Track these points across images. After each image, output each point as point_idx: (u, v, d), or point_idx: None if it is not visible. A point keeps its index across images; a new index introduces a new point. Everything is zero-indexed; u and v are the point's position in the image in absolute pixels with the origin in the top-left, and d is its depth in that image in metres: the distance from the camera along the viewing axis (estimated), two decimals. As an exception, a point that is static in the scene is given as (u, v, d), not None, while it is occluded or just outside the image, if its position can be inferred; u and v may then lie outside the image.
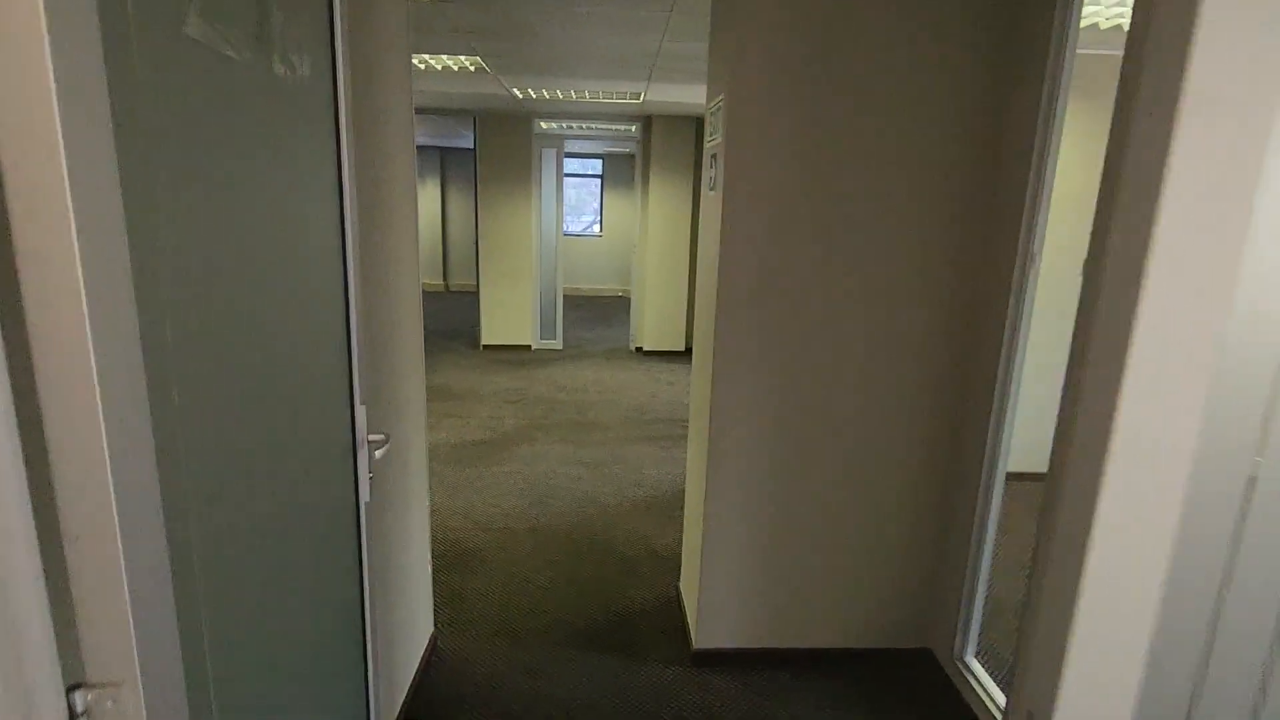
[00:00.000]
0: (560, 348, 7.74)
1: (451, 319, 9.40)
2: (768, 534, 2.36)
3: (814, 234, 2.13)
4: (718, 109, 2.14)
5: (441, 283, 12.30)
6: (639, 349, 7.67)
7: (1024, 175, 2.00)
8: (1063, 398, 1.49)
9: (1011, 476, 2.24)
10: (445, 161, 11.92)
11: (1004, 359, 2.10)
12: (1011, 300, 2.06)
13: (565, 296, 11.76)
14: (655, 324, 7.45)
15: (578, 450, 4.53)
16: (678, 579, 2.97)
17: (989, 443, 2.16)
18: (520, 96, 5.93)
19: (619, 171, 12.19)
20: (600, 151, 11.99)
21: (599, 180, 12.40)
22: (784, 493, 2.33)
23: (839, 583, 2.42)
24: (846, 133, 2.07)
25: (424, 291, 9.58)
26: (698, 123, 7.08)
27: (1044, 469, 1.56)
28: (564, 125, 7.84)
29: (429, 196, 11.97)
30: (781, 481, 2.31)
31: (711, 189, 2.23)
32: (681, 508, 3.68)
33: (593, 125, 7.93)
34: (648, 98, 5.90)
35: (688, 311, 7.47)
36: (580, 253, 12.44)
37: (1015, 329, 2.07)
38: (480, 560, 3.11)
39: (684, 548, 2.81)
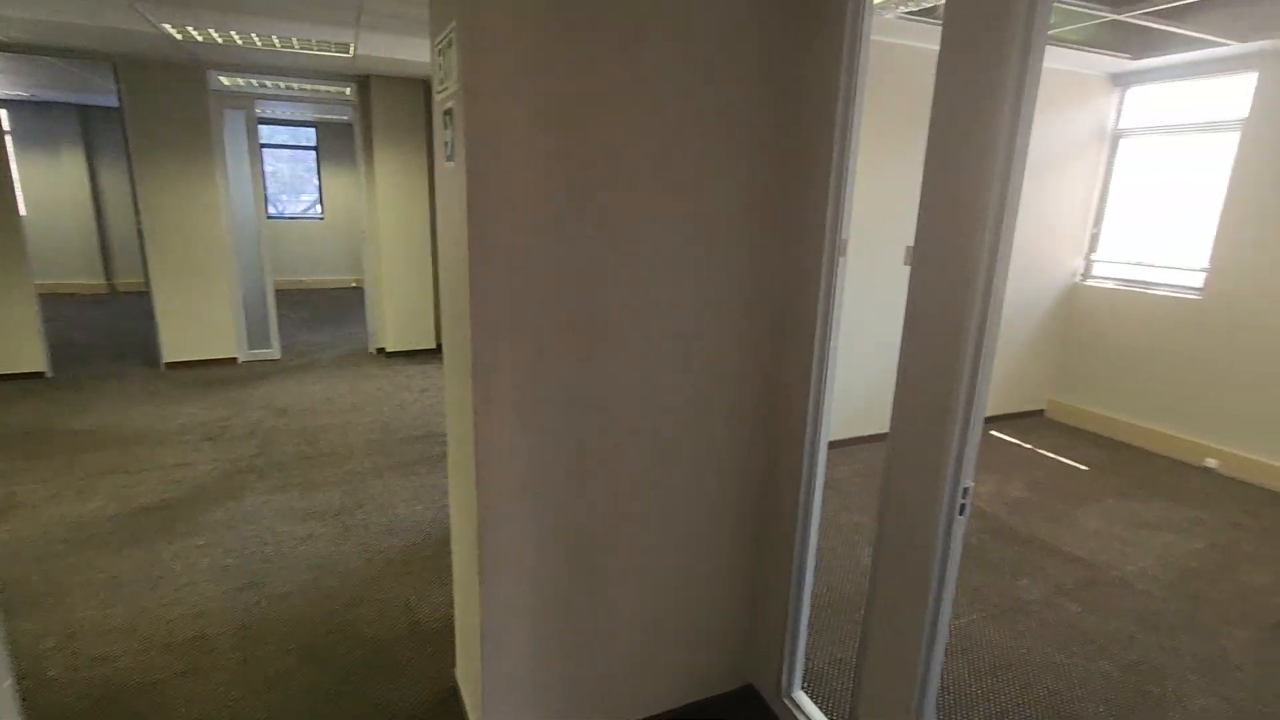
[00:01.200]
0: (278, 357, 6.34)
1: (119, 332, 7.25)
2: (566, 583, 1.85)
3: (593, 216, 1.62)
4: (447, 44, 1.50)
5: (104, 283, 9.56)
6: (381, 350, 6.61)
7: (826, 164, 1.70)
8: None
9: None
10: (90, 124, 9.17)
11: (816, 362, 1.82)
12: (820, 307, 1.78)
13: (281, 293, 9.96)
14: (398, 320, 6.46)
15: (306, 497, 3.56)
16: (454, 663, 2.34)
17: (806, 454, 1.89)
18: (178, 37, 4.50)
19: (338, 143, 10.53)
20: (313, 119, 10.22)
21: (314, 153, 10.60)
22: (580, 529, 1.83)
23: (654, 631, 2.01)
24: (631, 76, 1.58)
25: (78, 297, 7.28)
26: (425, 86, 6.16)
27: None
28: (254, 82, 6.32)
29: (69, 169, 9.14)
30: (574, 513, 1.81)
31: (449, 158, 1.59)
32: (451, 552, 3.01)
33: (295, 85, 6.52)
34: (360, 51, 4.88)
35: (436, 303, 6.60)
36: (300, 239, 10.60)
37: (826, 340, 1.80)
38: (157, 704, 2.13)
39: (457, 620, 2.18)
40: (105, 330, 7.31)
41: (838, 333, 1.81)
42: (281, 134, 10.47)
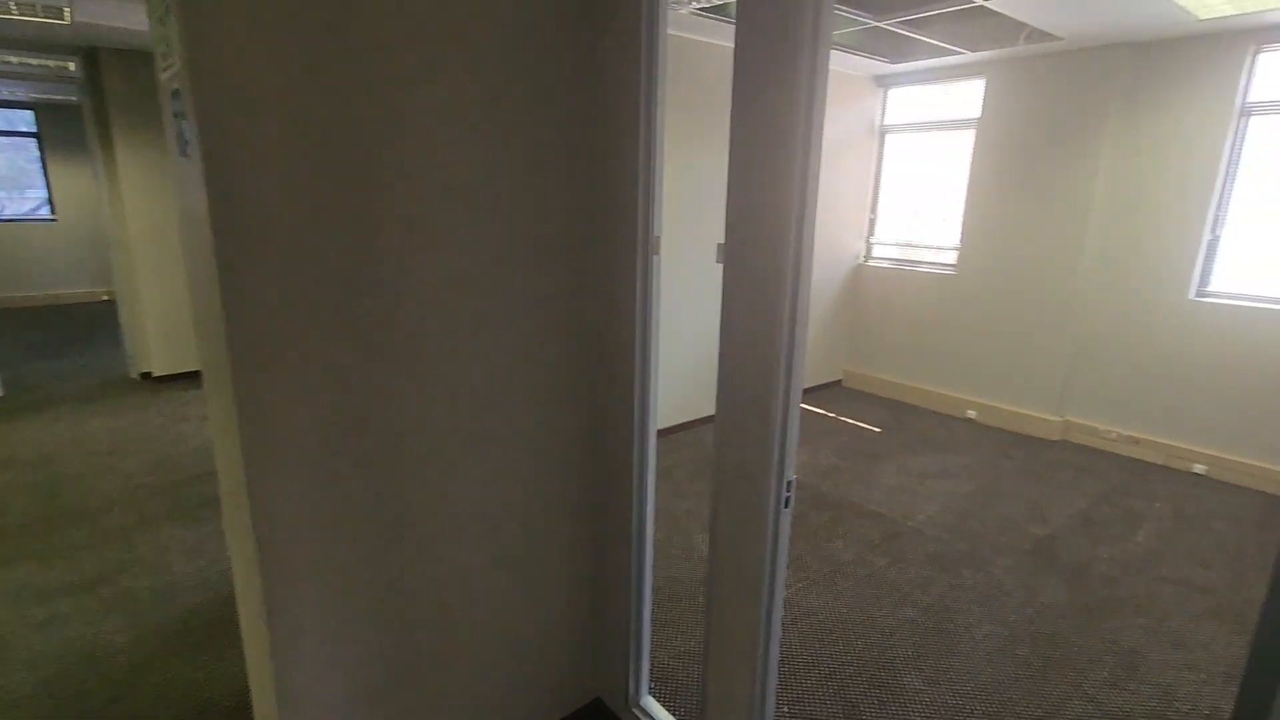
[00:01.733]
0: (2, 394, 5.12)
1: None
2: (378, 622, 1.63)
3: (374, 210, 1.42)
4: (165, 9, 1.21)
5: None
6: (146, 375, 5.60)
7: (633, 162, 1.64)
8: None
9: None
10: None
11: (639, 359, 1.77)
12: (638, 309, 1.72)
13: (4, 311, 8.19)
14: (164, 338, 5.51)
15: (45, 570, 2.88)
16: (256, 742, 2.00)
17: (635, 447, 1.84)
18: None
19: (67, 128, 8.75)
20: (29, 99, 8.37)
21: (35, 141, 8.71)
22: (387, 556, 1.63)
23: (490, 659, 1.86)
24: (415, 54, 1.39)
25: None
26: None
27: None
28: (-71, 51, 5.00)
29: None
30: (379, 541, 1.60)
31: (184, 153, 1.30)
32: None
33: (13, 58, 5.26)
34: (79, 18, 4.02)
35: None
36: (26, 245, 8.69)
37: (646, 337, 1.75)
38: None
39: (254, 690, 1.85)
40: None
41: (658, 329, 1.77)
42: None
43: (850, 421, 5.05)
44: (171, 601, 2.67)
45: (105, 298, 9.16)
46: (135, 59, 5.03)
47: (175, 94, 1.27)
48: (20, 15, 3.98)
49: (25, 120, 8.71)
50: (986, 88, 4.79)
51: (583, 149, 1.72)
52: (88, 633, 2.48)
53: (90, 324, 7.80)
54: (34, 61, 5.47)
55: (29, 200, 8.93)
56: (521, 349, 1.73)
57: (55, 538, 3.12)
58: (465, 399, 1.65)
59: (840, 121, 5.28)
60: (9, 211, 8.77)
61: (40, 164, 8.78)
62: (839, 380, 6.05)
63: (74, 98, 8.05)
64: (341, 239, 1.38)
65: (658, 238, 1.70)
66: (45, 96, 8.19)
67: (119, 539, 3.13)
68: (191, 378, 5.65)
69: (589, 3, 1.64)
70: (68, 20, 4.10)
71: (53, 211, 8.88)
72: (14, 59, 5.42)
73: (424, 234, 1.49)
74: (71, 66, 5.51)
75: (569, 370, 1.84)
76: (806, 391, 5.66)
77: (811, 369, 5.72)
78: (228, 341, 1.27)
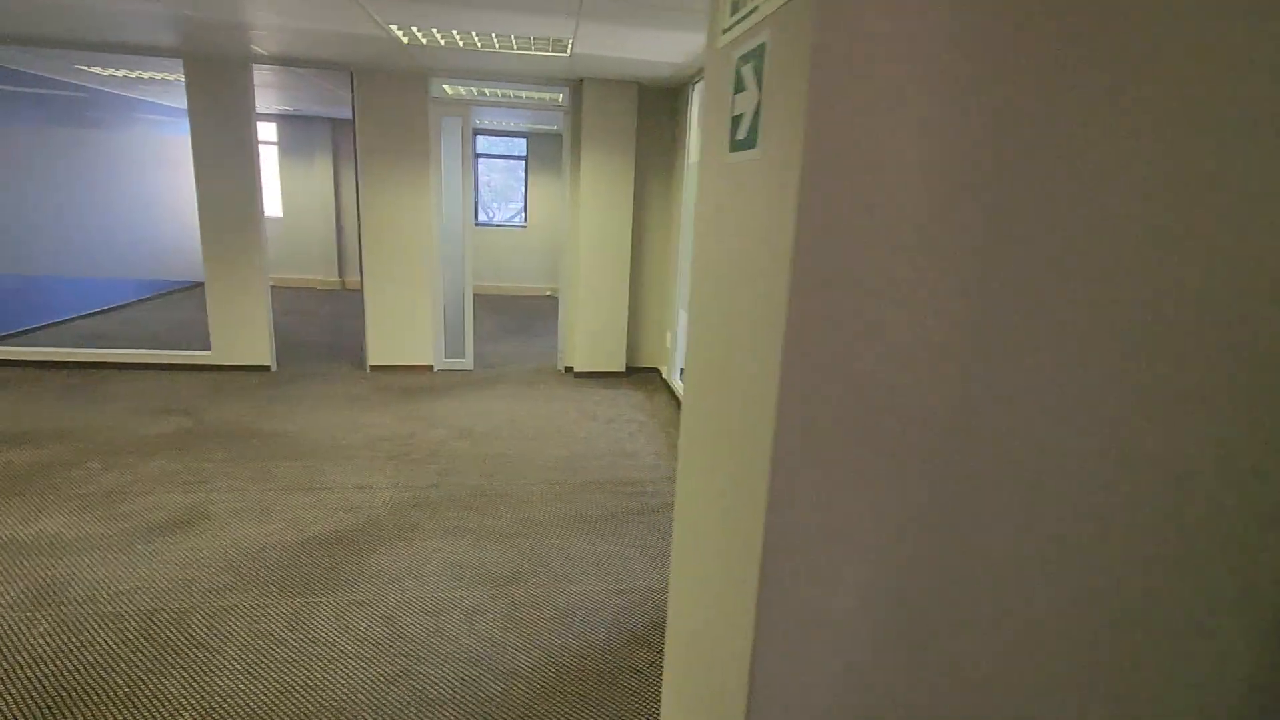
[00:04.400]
0: (471, 368, 6.22)
1: (340, 330, 7.68)
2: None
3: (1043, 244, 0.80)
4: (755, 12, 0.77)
5: (337, 279, 10.46)
6: (569, 370, 6.25)
7: None
8: None
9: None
10: (337, 135, 10.06)
11: None
12: None
13: (484, 297, 10.19)
14: (588, 339, 6.05)
15: (478, 549, 3.09)
16: None
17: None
18: (404, 40, 4.38)
19: (546, 153, 10.65)
20: (525, 129, 10.42)
21: (523, 163, 10.82)
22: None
23: None
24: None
25: (315, 290, 7.78)
26: (640, 89, 5.68)
27: None
28: (473, 89, 6.29)
29: (319, 175, 10.10)
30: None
31: (744, 142, 0.86)
32: (649, 661, 2.32)
33: (510, 92, 6.42)
34: (577, 49, 4.46)
35: (629, 324, 6.11)
36: (502, 247, 10.86)
37: None
38: None
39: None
40: (329, 326, 7.79)
41: None
42: (496, 144, 10.81)
43: None
44: (567, 627, 2.56)
45: (549, 293, 10.93)
46: (610, 88, 5.55)
47: (749, 56, 0.83)
48: (534, 51, 4.59)
49: (519, 146, 10.88)
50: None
51: None
52: (496, 638, 2.48)
53: (538, 315, 9.29)
54: (534, 94, 6.54)
55: (509, 209, 11.17)
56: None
57: (488, 517, 3.39)
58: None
59: None
60: (496, 218, 11.08)
61: (523, 181, 10.87)
62: None
63: (555, 127, 9.70)
64: (967, 279, 0.79)
65: None
66: (535, 126, 10.07)
67: (533, 534, 3.24)
68: (602, 378, 6.11)
69: None
70: (568, 53, 4.60)
71: (525, 219, 10.91)
72: (521, 92, 6.55)
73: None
74: (560, 98, 6.43)
75: None
76: None
77: None
78: (777, 412, 0.79)
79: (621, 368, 6.14)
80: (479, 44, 4.42)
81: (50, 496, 3.37)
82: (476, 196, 10.57)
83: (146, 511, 3.28)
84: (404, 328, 5.95)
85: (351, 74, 5.48)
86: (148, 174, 5.65)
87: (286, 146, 9.97)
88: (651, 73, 5.15)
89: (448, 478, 3.85)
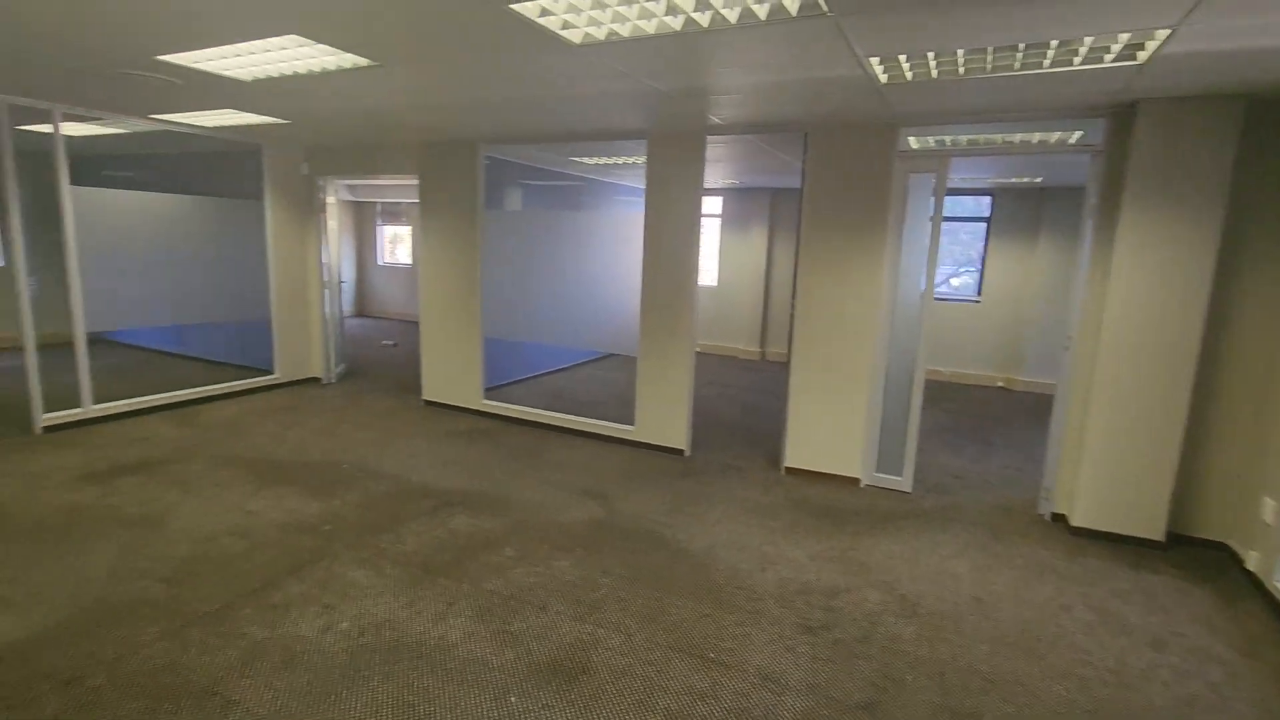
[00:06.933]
0: (909, 489, 4.79)
1: (758, 409, 7.09)
2: None
3: None
4: None
5: (758, 350, 10.18)
6: (1060, 519, 4.29)
7: None
8: None
9: None
10: (776, 202, 9.86)
11: None
12: None
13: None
14: (1104, 477, 4.03)
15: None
16: None
17: None
18: (883, 78, 3.38)
19: (1015, 213, 8.58)
20: (990, 184, 8.57)
21: (985, 225, 8.93)
22: None
23: None
24: None
25: (736, 358, 7.22)
26: (1249, 104, 3.57)
27: None
28: (946, 140, 5.00)
29: (755, 246, 10.03)
30: None
31: None
32: None
33: (1000, 137, 4.92)
34: (1169, 48, 2.80)
35: (1180, 464, 3.88)
36: (948, 324, 9.06)
37: None
38: None
39: None
40: (747, 404, 7.29)
41: None
42: (955, 205, 9.19)
43: None
44: None
45: (1000, 385, 8.71)
46: (1190, 108, 3.62)
47: None
48: (1082, 64, 3.08)
49: (982, 206, 9.04)
50: None
51: None
52: None
53: (990, 413, 7.28)
54: (1037, 137, 4.91)
55: (961, 280, 9.33)
56: None
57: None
58: None
59: None
60: (943, 291, 9.37)
61: (983, 247, 8.96)
62: None
63: (1027, 179, 7.66)
64: None
65: None
66: (1002, 181, 8.15)
67: None
68: (1120, 543, 3.99)
69: None
70: (1143, 58, 2.96)
71: (979, 292, 8.96)
72: (1013, 138, 4.99)
73: None
74: (1081, 134, 4.66)
75: None
76: None
77: None
78: None
79: (1158, 534, 3.93)
80: (990, 66, 3.14)
81: (465, 587, 3.24)
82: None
83: (534, 638, 2.84)
84: (830, 425, 4.91)
85: (805, 135, 4.78)
86: (610, 249, 5.91)
87: (729, 218, 10.18)
88: (1290, 73, 3.09)
89: (888, 695, 2.55)
